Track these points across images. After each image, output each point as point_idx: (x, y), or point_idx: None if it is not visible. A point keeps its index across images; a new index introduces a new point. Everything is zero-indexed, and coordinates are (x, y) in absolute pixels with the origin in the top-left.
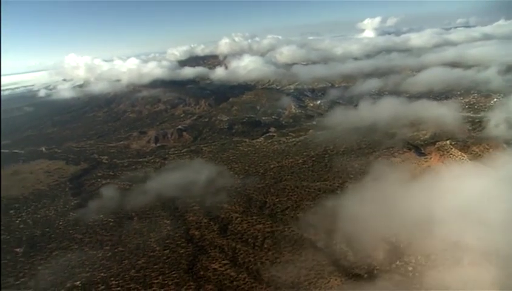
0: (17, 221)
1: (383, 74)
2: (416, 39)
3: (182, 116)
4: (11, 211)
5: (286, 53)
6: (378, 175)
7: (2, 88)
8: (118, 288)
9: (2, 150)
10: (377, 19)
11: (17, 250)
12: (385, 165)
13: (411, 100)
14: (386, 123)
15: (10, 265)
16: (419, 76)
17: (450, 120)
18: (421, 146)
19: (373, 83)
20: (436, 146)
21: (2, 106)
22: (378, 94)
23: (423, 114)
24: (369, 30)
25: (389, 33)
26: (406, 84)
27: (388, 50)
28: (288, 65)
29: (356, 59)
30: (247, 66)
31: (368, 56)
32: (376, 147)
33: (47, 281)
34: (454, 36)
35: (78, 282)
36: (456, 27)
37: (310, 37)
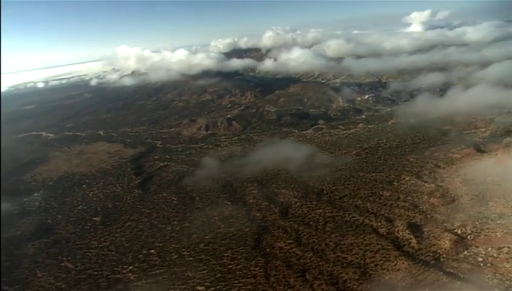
0: (90, 194)
1: (439, 69)
2: (473, 33)
3: (229, 106)
4: (84, 186)
5: (333, 47)
6: (431, 168)
7: (58, 77)
8: (191, 258)
9: (66, 132)
10: (426, 13)
11: (95, 218)
12: (439, 159)
13: (475, 96)
14: (441, 119)
15: (92, 231)
16: (486, 70)
17: None
18: (482, 143)
19: (428, 79)
20: (504, 143)
21: (62, 93)
22: (432, 90)
23: (483, 111)
24: (416, 24)
25: (440, 27)
26: (472, 79)
27: (443, 45)
28: (338, 59)
29: (408, 53)
30: (298, 59)
31: (419, 50)
32: (431, 142)
33: (125, 247)
34: None
35: (153, 250)
36: None
37: (355, 31)
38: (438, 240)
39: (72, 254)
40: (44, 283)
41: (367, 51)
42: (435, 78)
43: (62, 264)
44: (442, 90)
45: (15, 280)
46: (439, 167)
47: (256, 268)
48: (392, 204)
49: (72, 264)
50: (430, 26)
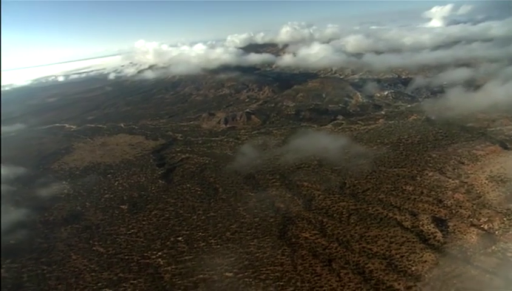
0: (116, 184)
1: (463, 65)
2: (498, 28)
3: (246, 100)
4: (109, 175)
5: (352, 42)
6: (455, 164)
7: (77, 71)
8: (218, 246)
9: (88, 124)
10: (448, 7)
11: (122, 207)
12: (463, 156)
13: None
14: (463, 116)
15: (120, 218)
16: None
17: None
18: (508, 141)
19: (451, 75)
20: None
21: (82, 86)
22: (454, 86)
23: (509, 108)
24: (436, 20)
25: (463, 22)
26: (499, 75)
27: (467, 40)
28: (358, 54)
29: (430, 49)
30: (317, 54)
31: (441, 46)
32: (454, 139)
33: (153, 234)
34: None
35: (180, 238)
36: None
37: (373, 27)
38: (465, 234)
39: (103, 239)
40: (79, 265)
41: (387, 47)
42: (458, 74)
43: (94, 248)
44: (465, 87)
45: (52, 261)
46: (463, 163)
47: (283, 257)
48: (415, 198)
49: (103, 248)
50: (451, 21)
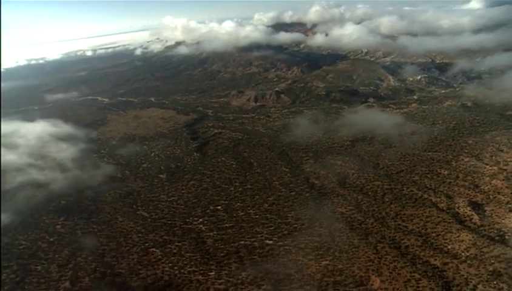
0: (152, 154)
1: (507, 50)
2: None
3: (275, 80)
4: (144, 147)
5: (386, 24)
6: (493, 151)
7: (104, 46)
8: (257, 216)
9: (119, 98)
10: None
11: (161, 176)
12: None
13: None
14: (503, 104)
15: (159, 186)
16: None
17: None
18: None
19: (491, 60)
20: None
21: (110, 61)
22: (493, 72)
23: None
24: (476, 1)
25: (508, 3)
26: None
27: None
28: (393, 36)
29: (471, 32)
30: (351, 35)
31: (482, 29)
32: (493, 126)
33: (193, 202)
34: None
35: (219, 207)
36: None
37: (406, 8)
38: (503, 219)
39: (145, 204)
40: (126, 226)
41: (423, 29)
42: (501, 60)
43: (138, 212)
44: (507, 73)
45: (101, 221)
46: (502, 150)
47: (321, 229)
48: (451, 182)
49: (147, 213)
50: (494, 2)
